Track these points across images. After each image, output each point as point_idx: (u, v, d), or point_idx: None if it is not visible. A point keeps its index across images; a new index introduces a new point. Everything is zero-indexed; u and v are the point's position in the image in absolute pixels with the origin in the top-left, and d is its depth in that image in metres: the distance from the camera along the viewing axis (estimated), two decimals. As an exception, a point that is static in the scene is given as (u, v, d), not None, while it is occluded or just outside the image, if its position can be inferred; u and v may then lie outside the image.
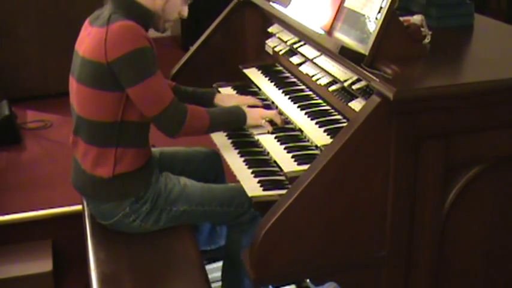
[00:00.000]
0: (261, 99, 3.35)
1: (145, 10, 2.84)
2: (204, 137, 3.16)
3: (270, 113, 3.06)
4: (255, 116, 3.04)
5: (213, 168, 3.38)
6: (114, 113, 2.79)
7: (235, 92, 3.48)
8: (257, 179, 2.79)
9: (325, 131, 2.77)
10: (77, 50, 2.90)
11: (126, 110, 2.79)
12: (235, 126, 3.11)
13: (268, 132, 2.98)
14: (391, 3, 2.45)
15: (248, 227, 3.02)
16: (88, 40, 2.80)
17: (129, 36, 2.71)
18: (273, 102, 3.22)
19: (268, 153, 2.90)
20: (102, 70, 2.72)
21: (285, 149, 2.83)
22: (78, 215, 3.43)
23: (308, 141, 2.85)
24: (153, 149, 3.12)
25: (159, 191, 2.93)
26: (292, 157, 2.75)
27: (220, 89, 3.52)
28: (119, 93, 2.75)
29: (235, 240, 3.09)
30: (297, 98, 3.09)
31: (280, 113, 3.07)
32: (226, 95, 3.34)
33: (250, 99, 3.25)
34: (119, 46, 2.69)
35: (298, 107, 3.01)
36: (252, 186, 2.76)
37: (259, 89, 3.39)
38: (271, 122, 3.02)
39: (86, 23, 2.92)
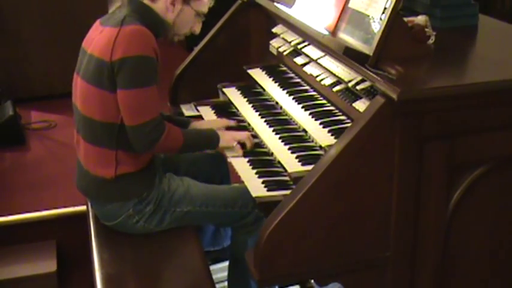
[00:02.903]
0: (264, 99, 3.35)
1: (159, 18, 2.87)
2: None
3: (242, 136, 3.05)
4: (227, 138, 3.04)
5: (218, 170, 3.37)
6: (114, 114, 2.79)
7: (239, 92, 3.48)
8: (261, 180, 2.80)
9: (329, 131, 2.77)
10: (84, 48, 2.91)
11: None
12: (207, 148, 3.13)
13: (239, 155, 3.01)
14: (395, 3, 2.45)
15: (253, 229, 3.02)
16: (99, 39, 2.81)
17: (139, 42, 2.72)
18: (277, 103, 3.22)
19: (272, 153, 2.90)
20: (105, 68, 2.73)
21: (289, 149, 2.83)
22: (83, 216, 3.43)
23: (312, 141, 2.85)
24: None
25: (162, 192, 2.93)
26: (297, 157, 2.75)
27: (224, 90, 3.53)
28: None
29: (241, 242, 3.09)
30: (301, 99, 3.09)
31: (254, 136, 3.08)
32: (200, 123, 3.28)
33: (224, 122, 3.23)
34: (125, 48, 2.70)
35: (302, 107, 3.01)
36: (256, 186, 2.76)
37: (264, 90, 3.39)
38: (243, 144, 3.03)
39: (97, 23, 2.94)
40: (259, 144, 3.08)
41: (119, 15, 2.82)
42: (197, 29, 3.02)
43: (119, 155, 2.84)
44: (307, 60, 3.13)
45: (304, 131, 2.90)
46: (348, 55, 2.58)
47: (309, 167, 2.58)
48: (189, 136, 2.96)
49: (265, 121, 3.12)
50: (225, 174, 3.42)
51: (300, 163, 2.71)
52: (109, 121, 2.80)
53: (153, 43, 2.76)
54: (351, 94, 2.72)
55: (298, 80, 3.31)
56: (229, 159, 3.02)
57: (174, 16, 2.90)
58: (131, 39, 2.72)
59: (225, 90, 3.54)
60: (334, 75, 2.83)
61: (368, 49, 2.51)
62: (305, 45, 3.16)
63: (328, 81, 2.88)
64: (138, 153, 2.86)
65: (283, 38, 3.41)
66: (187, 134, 2.97)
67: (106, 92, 2.76)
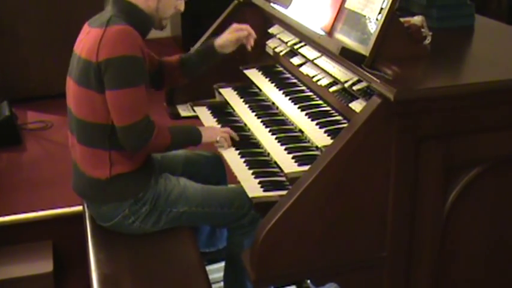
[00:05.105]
0: (261, 99, 3.35)
1: (143, 14, 2.86)
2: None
3: (223, 132, 3.08)
4: (210, 134, 3.06)
5: (215, 172, 3.37)
6: (104, 115, 2.78)
7: (235, 92, 3.48)
8: (257, 180, 2.79)
9: (325, 131, 2.77)
10: (75, 51, 2.92)
11: None
12: (191, 144, 3.12)
13: (225, 148, 3.06)
14: (391, 4, 2.45)
15: (249, 230, 3.02)
16: (86, 39, 2.81)
17: (124, 41, 2.72)
18: (273, 103, 3.22)
19: (268, 154, 2.90)
20: (92, 69, 2.73)
21: (285, 149, 2.83)
22: (79, 216, 3.43)
23: (308, 142, 2.85)
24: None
25: (158, 192, 2.93)
26: (293, 158, 2.75)
27: (220, 90, 3.53)
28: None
29: (237, 243, 3.09)
30: (298, 99, 3.09)
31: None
32: (224, 41, 3.23)
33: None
34: (111, 48, 2.70)
35: (298, 107, 3.01)
36: (252, 187, 2.76)
37: (260, 90, 3.39)
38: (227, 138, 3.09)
39: (86, 25, 2.94)
40: (256, 145, 3.08)
41: (105, 15, 2.82)
42: (181, 7, 3.00)
43: (112, 156, 2.84)
44: (303, 60, 3.13)
45: (301, 131, 2.90)
46: (344, 55, 2.58)
47: (306, 168, 2.59)
48: (175, 133, 2.95)
49: (261, 121, 3.12)
50: (222, 176, 3.42)
51: (296, 163, 2.71)
52: (100, 122, 2.80)
53: (139, 42, 2.76)
54: (348, 94, 2.72)
55: (295, 81, 3.31)
56: (226, 159, 3.03)
57: (155, 2, 2.89)
58: (116, 39, 2.71)
59: (221, 90, 3.53)
60: (331, 75, 2.83)
61: (364, 49, 2.51)
62: (301, 46, 3.16)
63: (324, 81, 2.88)
64: (131, 153, 2.87)
65: (279, 39, 3.41)
66: (173, 131, 2.96)
67: (94, 93, 2.76)
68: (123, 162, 2.86)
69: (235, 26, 3.24)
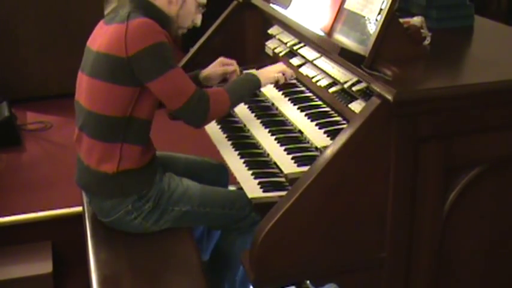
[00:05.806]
0: (260, 100, 3.35)
1: (162, 13, 2.89)
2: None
3: (280, 68, 3.13)
4: (267, 75, 3.10)
5: (220, 179, 3.37)
6: (124, 108, 2.81)
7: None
8: (257, 181, 2.80)
9: (325, 132, 2.77)
10: (89, 47, 2.94)
11: (136, 106, 2.82)
12: (253, 91, 3.13)
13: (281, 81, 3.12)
14: (391, 4, 2.45)
15: (245, 230, 3.02)
16: (105, 36, 2.83)
17: (149, 32, 2.75)
18: (273, 104, 3.22)
19: (268, 154, 2.90)
20: (120, 64, 2.75)
21: (285, 150, 2.83)
22: (78, 216, 3.43)
23: (308, 142, 2.84)
24: (158, 153, 3.11)
25: (162, 190, 2.94)
26: (292, 158, 2.75)
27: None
28: (132, 88, 2.78)
29: (230, 241, 3.09)
30: (297, 100, 3.10)
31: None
32: (210, 73, 3.30)
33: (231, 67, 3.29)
34: (140, 40, 2.73)
35: (298, 108, 3.01)
36: (251, 187, 2.76)
37: (259, 91, 3.38)
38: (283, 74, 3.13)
39: (101, 23, 2.97)
40: (255, 145, 3.08)
41: (123, 12, 2.85)
42: (198, 21, 3.05)
43: (123, 149, 2.85)
44: (303, 61, 3.13)
45: (300, 132, 2.90)
46: (344, 56, 2.59)
47: (305, 168, 2.59)
48: (233, 91, 2.98)
49: (261, 122, 3.12)
50: (225, 185, 3.42)
51: (295, 164, 2.71)
52: (118, 115, 2.81)
53: (161, 29, 2.80)
54: (347, 95, 2.72)
55: (294, 81, 3.31)
56: (225, 159, 3.03)
57: (177, 9, 2.93)
58: (143, 31, 2.75)
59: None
60: (330, 76, 2.83)
61: (364, 50, 2.51)
62: (301, 46, 3.16)
63: (324, 82, 2.89)
64: (143, 149, 2.89)
65: (279, 39, 3.41)
66: (231, 89, 2.98)
67: (119, 87, 2.78)
68: (132, 158, 2.87)
69: (222, 59, 3.30)
